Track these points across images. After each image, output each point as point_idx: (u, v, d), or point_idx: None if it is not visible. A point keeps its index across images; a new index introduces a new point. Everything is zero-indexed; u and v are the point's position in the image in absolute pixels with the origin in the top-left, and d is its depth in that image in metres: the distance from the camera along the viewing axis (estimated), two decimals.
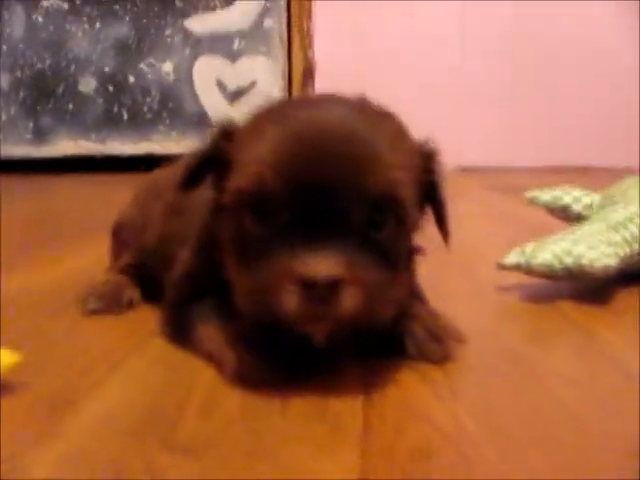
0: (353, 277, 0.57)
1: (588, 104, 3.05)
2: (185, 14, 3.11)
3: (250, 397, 0.61)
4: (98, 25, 3.14)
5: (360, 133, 0.61)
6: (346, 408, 0.58)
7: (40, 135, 3.19)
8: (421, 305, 0.74)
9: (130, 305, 0.89)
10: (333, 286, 0.56)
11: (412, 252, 0.72)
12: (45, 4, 3.14)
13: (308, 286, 0.56)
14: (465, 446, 0.51)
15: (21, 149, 3.20)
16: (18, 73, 3.19)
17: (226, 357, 0.65)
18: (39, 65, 3.18)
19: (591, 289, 0.96)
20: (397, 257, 0.65)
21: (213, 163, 0.68)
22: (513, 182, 2.55)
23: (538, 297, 0.95)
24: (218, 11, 3.11)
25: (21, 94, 3.20)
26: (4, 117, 3.20)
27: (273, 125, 0.62)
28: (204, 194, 0.72)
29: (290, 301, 0.57)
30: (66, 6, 3.14)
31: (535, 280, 0.97)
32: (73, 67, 3.17)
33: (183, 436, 0.53)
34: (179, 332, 0.74)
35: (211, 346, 0.68)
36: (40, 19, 3.15)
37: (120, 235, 0.99)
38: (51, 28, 3.15)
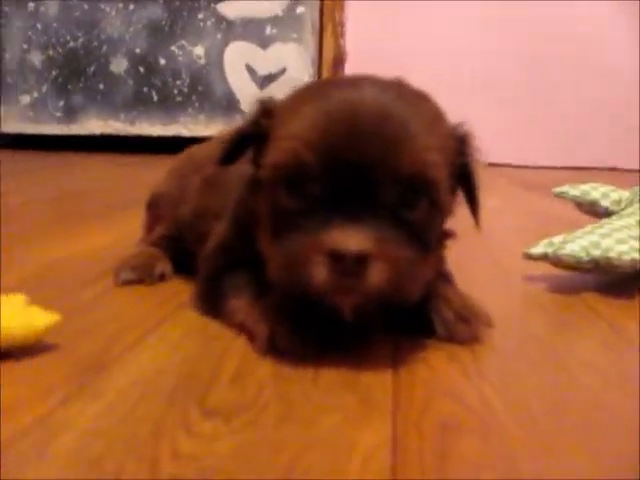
0: (382, 253, 0.59)
1: (615, 105, 3.02)
2: None
3: (282, 365, 0.62)
4: (132, 6, 3.15)
5: (395, 113, 0.62)
6: (376, 381, 0.60)
7: (70, 114, 3.22)
8: (450, 287, 0.75)
9: (162, 277, 0.91)
10: (361, 260, 0.58)
11: (443, 235, 0.73)
12: None
13: (337, 259, 0.58)
14: (491, 422, 0.52)
15: (51, 127, 3.23)
16: (51, 52, 3.22)
17: (258, 329, 0.66)
18: (72, 44, 3.20)
19: (617, 283, 0.97)
20: (428, 237, 0.66)
21: (252, 139, 0.70)
22: (538, 179, 2.55)
23: (564, 288, 0.96)
24: None
25: (53, 72, 3.23)
26: (36, 95, 3.24)
27: (310, 103, 0.64)
28: (241, 169, 0.73)
29: (319, 273, 0.59)
30: None
31: (560, 271, 0.97)
32: (105, 47, 3.19)
33: (216, 400, 0.55)
34: (212, 304, 0.75)
35: (243, 318, 0.69)
36: None
37: (155, 208, 1.00)
38: (85, 7, 3.17)
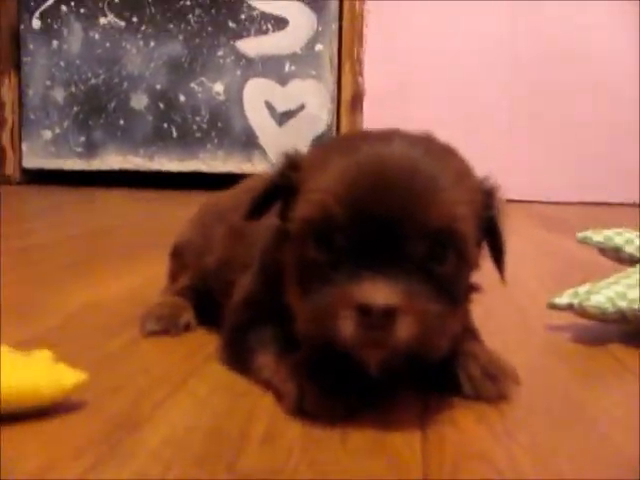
0: (410, 306, 0.59)
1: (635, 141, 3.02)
2: (237, 36, 3.17)
3: (310, 427, 0.62)
4: (152, 43, 3.21)
5: (423, 167, 0.63)
6: (404, 444, 0.59)
7: (90, 149, 3.27)
8: (476, 343, 0.75)
9: (187, 328, 0.91)
10: (389, 314, 0.58)
11: (469, 288, 0.73)
12: (102, 21, 3.22)
13: (365, 312, 0.58)
14: None
15: (72, 162, 3.28)
16: (73, 88, 3.27)
17: (286, 388, 0.66)
18: (93, 81, 3.26)
19: None
20: (455, 291, 0.66)
21: (279, 192, 0.70)
22: (559, 217, 2.54)
23: (588, 338, 0.95)
24: (270, 34, 3.16)
25: (75, 109, 3.28)
26: (57, 130, 3.28)
27: (338, 156, 0.65)
28: (268, 220, 0.74)
29: (347, 326, 0.59)
30: (123, 24, 3.22)
31: (584, 321, 0.97)
32: (126, 84, 3.24)
33: (245, 464, 0.55)
34: (238, 358, 0.75)
35: (270, 375, 0.70)
36: (97, 36, 3.23)
37: (179, 257, 1.01)
38: (107, 45, 3.23)
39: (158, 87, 3.23)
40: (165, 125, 3.22)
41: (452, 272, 0.64)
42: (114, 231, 1.99)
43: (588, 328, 0.98)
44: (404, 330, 0.58)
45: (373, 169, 0.62)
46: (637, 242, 1.15)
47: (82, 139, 3.28)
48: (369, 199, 0.61)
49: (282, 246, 0.70)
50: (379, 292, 0.58)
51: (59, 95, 3.28)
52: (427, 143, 0.67)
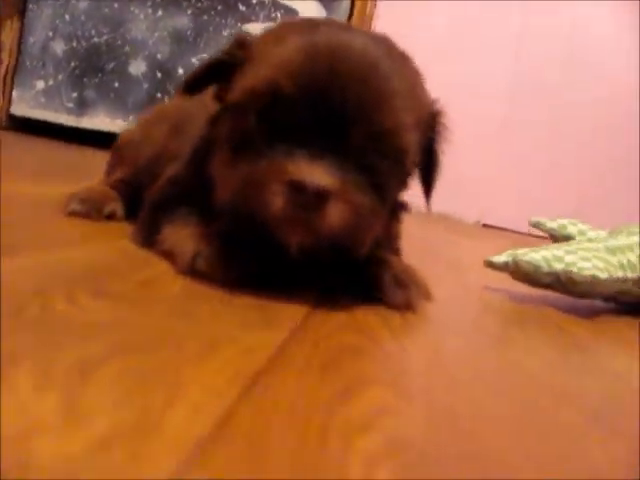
0: (343, 193, 0.57)
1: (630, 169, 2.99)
2: (246, 19, 3.16)
3: (195, 283, 0.59)
4: (160, 12, 3.19)
5: (382, 65, 0.61)
6: (289, 310, 0.57)
7: (81, 106, 3.24)
8: (394, 254, 0.73)
9: (112, 217, 0.88)
10: (322, 196, 0.55)
11: (399, 203, 0.71)
12: None
13: (297, 190, 0.55)
14: (400, 365, 0.49)
15: (60, 116, 3.24)
16: (74, 43, 3.25)
17: (183, 248, 0.63)
18: (95, 39, 3.24)
19: (578, 307, 0.94)
20: (386, 192, 0.64)
21: (225, 70, 0.67)
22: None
23: (521, 298, 0.93)
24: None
25: (72, 64, 3.25)
26: (51, 82, 3.26)
27: (294, 36, 0.62)
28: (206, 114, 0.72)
29: (276, 201, 0.56)
30: None
31: (522, 287, 0.95)
32: (127, 48, 3.22)
33: (113, 288, 0.52)
34: (148, 234, 0.72)
35: (171, 241, 0.67)
36: None
37: (119, 151, 0.99)
38: (115, 6, 3.21)
39: (159, 56, 3.21)
40: (159, 94, 3.19)
41: (387, 172, 0.63)
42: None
43: (523, 292, 0.96)
44: (333, 216, 0.56)
45: (331, 54, 0.60)
46: (590, 234, 1.14)
47: (74, 95, 3.25)
48: (322, 83, 0.58)
49: (216, 124, 0.67)
50: (315, 172, 0.55)
51: (59, 47, 3.25)
52: (387, 43, 0.66)
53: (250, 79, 0.62)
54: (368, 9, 3.11)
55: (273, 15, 3.16)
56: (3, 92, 3.30)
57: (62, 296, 0.46)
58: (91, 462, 0.25)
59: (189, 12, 3.19)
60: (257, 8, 3.17)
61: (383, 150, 0.61)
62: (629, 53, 2.89)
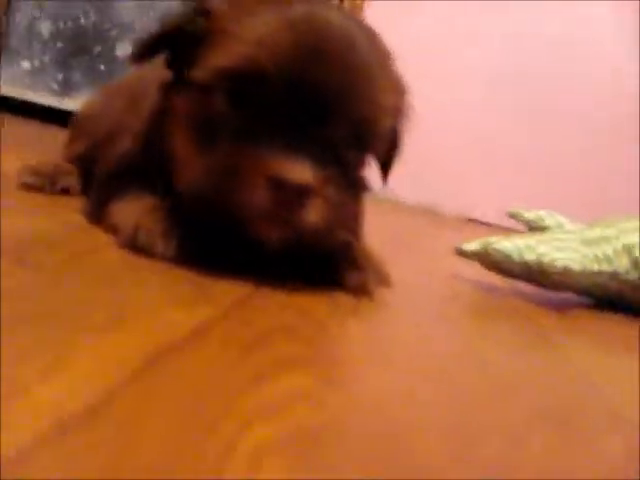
0: (321, 190, 0.54)
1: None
2: None
3: (134, 257, 0.55)
4: None
5: (361, 48, 0.58)
6: (225, 289, 0.52)
7: (66, 88, 3.18)
8: (354, 237, 0.69)
9: (67, 191, 0.84)
10: (303, 193, 0.53)
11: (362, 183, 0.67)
12: None
13: (278, 186, 0.52)
14: (337, 348, 0.46)
15: (45, 97, 3.19)
16: (61, 24, 3.20)
17: (126, 222, 0.59)
18: (83, 21, 3.19)
19: (550, 300, 0.91)
20: (358, 181, 0.62)
21: (181, 39, 0.62)
22: None
23: (490, 289, 0.90)
24: None
25: (58, 44, 3.20)
26: (37, 63, 3.20)
27: (270, 10, 0.57)
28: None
29: (256, 196, 0.53)
30: None
31: (493, 277, 0.91)
32: (115, 31, 3.18)
33: (37, 259, 0.48)
34: (96, 209, 0.69)
35: (116, 215, 0.63)
36: None
37: (78, 124, 0.95)
38: None
39: None
40: None
41: (360, 161, 0.61)
42: None
43: (493, 283, 0.93)
44: (312, 213, 0.54)
45: (312, 33, 0.56)
46: (568, 227, 1.10)
47: (60, 76, 3.20)
48: (306, 65, 0.55)
49: (171, 96, 0.63)
50: (296, 168, 0.53)
51: (45, 28, 3.20)
52: (356, 19, 0.63)
53: (222, 56, 0.57)
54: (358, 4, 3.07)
55: None
56: None
57: None
58: None
59: None
60: None
61: (360, 137, 0.59)
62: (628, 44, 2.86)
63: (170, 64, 0.65)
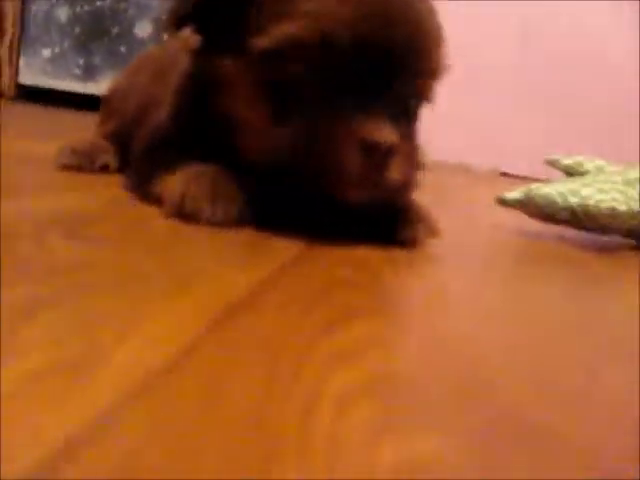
0: (401, 146, 0.56)
1: None
2: None
3: (183, 225, 0.55)
4: None
5: (414, 4, 0.59)
6: (283, 247, 0.53)
7: (88, 72, 3.19)
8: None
9: (105, 169, 0.85)
10: (389, 153, 0.55)
11: None
12: None
13: (371, 149, 0.54)
14: (398, 296, 0.45)
15: (68, 83, 3.21)
16: (78, 8, 3.19)
17: (171, 191, 0.59)
18: (99, 3, 3.18)
19: (596, 243, 0.89)
20: (418, 130, 0.64)
21: (219, 3, 0.61)
22: None
23: (536, 236, 0.89)
24: None
25: (77, 29, 3.20)
26: (57, 50, 3.21)
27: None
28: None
29: (351, 160, 0.54)
30: None
31: (536, 224, 0.90)
32: (132, 10, 3.17)
33: (97, 230, 0.49)
34: (138, 182, 0.69)
35: (160, 185, 0.63)
36: None
37: (108, 103, 0.95)
38: None
39: (164, 17, 3.15)
40: None
41: (418, 112, 0.63)
42: None
43: (537, 229, 0.92)
44: (396, 170, 0.56)
45: (381, 5, 0.56)
46: (607, 169, 1.08)
47: (81, 61, 3.21)
48: (375, 29, 0.55)
49: (213, 63, 0.62)
50: (383, 130, 0.55)
51: (63, 14, 3.20)
52: None
53: (289, 24, 0.56)
54: None
55: None
56: (10, 62, 3.26)
57: (30, 238, 0.43)
58: (17, 397, 0.21)
59: None
60: None
61: (420, 93, 0.61)
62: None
63: (203, 30, 0.64)
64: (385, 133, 0.54)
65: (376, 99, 0.56)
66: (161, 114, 0.71)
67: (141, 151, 0.72)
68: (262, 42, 0.57)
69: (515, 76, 3.01)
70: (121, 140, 0.87)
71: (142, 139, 0.73)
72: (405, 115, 0.60)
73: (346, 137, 0.54)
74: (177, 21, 0.64)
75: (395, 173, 0.56)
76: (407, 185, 0.60)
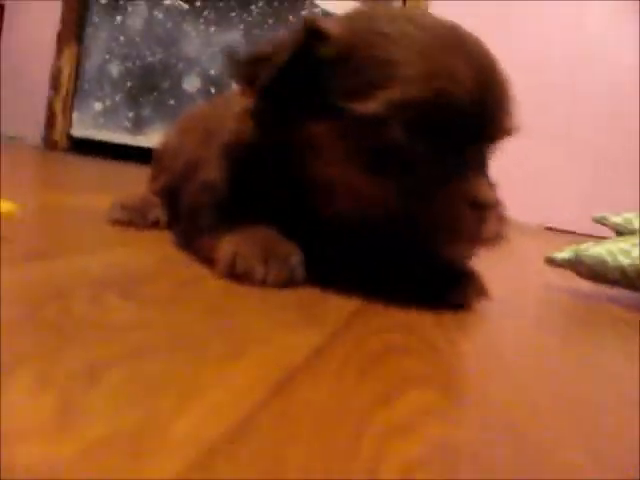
0: (497, 203, 0.59)
1: None
2: None
3: (235, 285, 0.56)
4: (212, 28, 3.22)
5: (494, 60, 0.61)
6: (334, 309, 0.53)
7: (138, 125, 3.27)
8: None
9: (156, 224, 0.86)
10: (489, 209, 0.57)
11: None
12: (167, 2, 3.25)
13: (479, 207, 0.57)
14: (451, 362, 0.45)
15: (118, 136, 3.29)
16: (129, 64, 3.29)
17: (222, 250, 0.60)
18: (150, 59, 3.28)
19: None
20: None
21: (294, 64, 0.59)
22: None
23: (586, 296, 0.87)
24: None
25: (128, 84, 3.30)
26: (108, 103, 3.31)
27: (417, 33, 0.58)
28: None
29: (463, 220, 0.56)
30: (186, 6, 3.23)
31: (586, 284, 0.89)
32: (181, 65, 3.25)
33: (144, 292, 0.50)
34: (188, 240, 0.70)
35: (211, 245, 0.63)
36: (160, 15, 3.26)
37: (158, 160, 0.97)
38: (168, 25, 3.25)
39: (212, 72, 3.23)
40: None
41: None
42: None
43: (588, 289, 0.90)
44: (494, 224, 0.58)
45: (468, 54, 0.58)
46: None
47: (131, 114, 3.29)
48: (483, 89, 0.57)
49: (304, 129, 0.61)
50: (488, 188, 0.58)
51: (115, 69, 3.30)
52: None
53: (403, 89, 0.56)
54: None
55: None
56: (63, 115, 3.36)
57: (86, 298, 0.44)
58: (82, 464, 0.21)
59: (240, 27, 3.20)
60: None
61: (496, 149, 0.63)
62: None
63: (267, 92, 0.62)
64: (491, 191, 0.58)
65: (477, 157, 0.59)
66: (210, 173, 0.72)
67: (190, 209, 0.73)
68: (368, 107, 0.57)
69: (563, 131, 3.00)
70: (170, 196, 0.89)
71: (190, 197, 0.74)
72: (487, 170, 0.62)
73: (458, 196, 0.56)
74: (263, 90, 0.62)
75: (494, 227, 0.58)
76: (500, 237, 0.60)
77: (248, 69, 0.63)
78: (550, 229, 2.92)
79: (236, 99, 0.69)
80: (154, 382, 0.30)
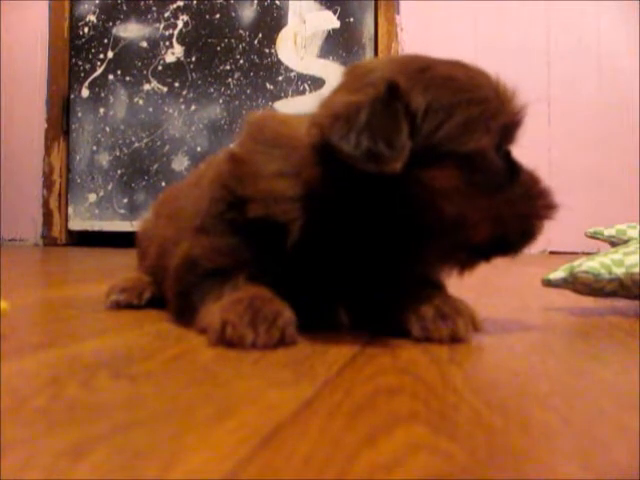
0: None
1: None
2: (275, 97, 3.22)
3: (228, 352, 0.56)
4: (193, 107, 3.28)
5: None
6: (326, 362, 0.53)
7: (133, 210, 3.31)
8: (435, 289, 0.69)
9: (151, 302, 0.87)
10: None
11: None
12: (146, 87, 3.32)
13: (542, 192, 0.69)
14: (443, 392, 0.45)
15: (115, 224, 3.33)
16: (117, 152, 3.35)
17: (212, 320, 0.61)
18: (136, 144, 3.34)
19: None
20: None
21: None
22: None
23: (586, 313, 0.87)
24: (307, 94, 3.20)
25: (118, 172, 3.35)
26: (102, 193, 3.35)
27: (472, 72, 0.65)
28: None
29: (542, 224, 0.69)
30: (165, 89, 3.31)
31: (583, 300, 0.89)
32: (167, 146, 3.31)
33: (144, 366, 0.50)
34: (180, 315, 0.71)
35: (201, 316, 0.65)
36: (141, 102, 3.33)
37: (140, 243, 0.99)
38: (150, 110, 3.31)
39: (199, 149, 3.28)
40: None
41: None
42: None
43: (587, 306, 0.90)
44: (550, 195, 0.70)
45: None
46: None
47: (125, 201, 3.34)
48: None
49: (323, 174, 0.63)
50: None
51: (104, 159, 3.36)
52: None
53: (494, 120, 0.63)
54: None
55: (301, 88, 3.21)
56: (59, 211, 3.40)
57: (77, 382, 0.44)
58: None
59: (220, 101, 3.26)
60: (284, 84, 3.23)
61: None
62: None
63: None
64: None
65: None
66: (190, 248, 0.72)
67: (177, 285, 0.73)
68: (482, 142, 0.62)
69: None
70: (156, 276, 0.89)
71: (174, 273, 0.74)
72: None
73: (542, 205, 0.68)
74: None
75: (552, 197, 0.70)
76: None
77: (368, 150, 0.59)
78: (554, 253, 2.92)
79: (208, 169, 0.71)
80: (138, 453, 0.30)
